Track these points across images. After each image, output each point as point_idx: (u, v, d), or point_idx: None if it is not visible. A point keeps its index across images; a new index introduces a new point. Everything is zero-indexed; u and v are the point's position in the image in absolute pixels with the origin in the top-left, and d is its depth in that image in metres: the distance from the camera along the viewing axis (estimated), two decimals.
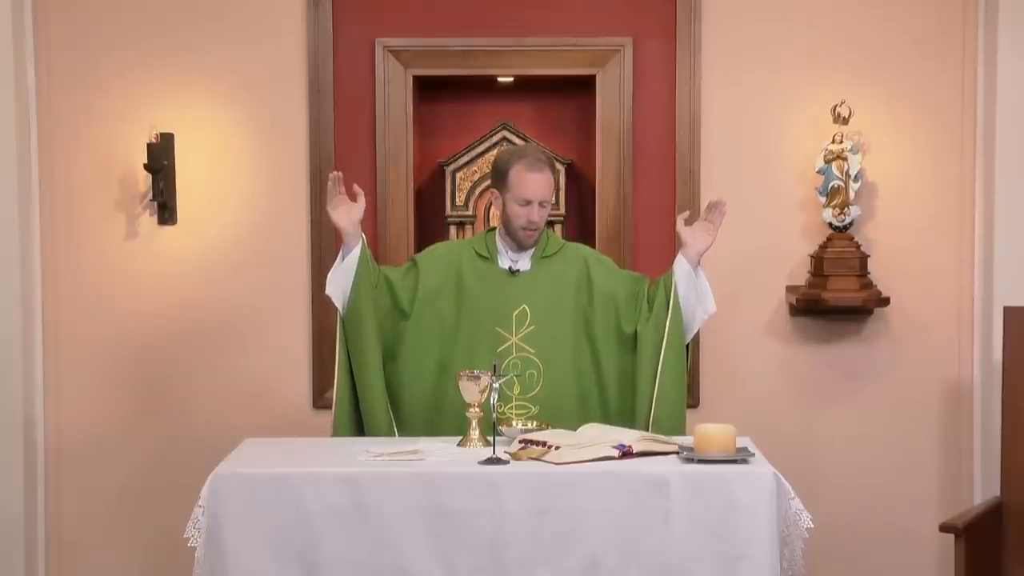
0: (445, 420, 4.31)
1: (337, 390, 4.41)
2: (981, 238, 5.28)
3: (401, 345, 4.41)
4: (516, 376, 4.31)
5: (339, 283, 4.37)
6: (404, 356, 4.41)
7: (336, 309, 4.43)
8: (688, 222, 4.43)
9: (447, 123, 5.54)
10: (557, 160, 5.19)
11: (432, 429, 4.33)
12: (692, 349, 4.48)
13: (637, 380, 4.36)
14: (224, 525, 3.75)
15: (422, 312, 4.40)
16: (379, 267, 4.44)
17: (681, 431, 4.29)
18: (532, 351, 4.37)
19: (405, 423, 4.40)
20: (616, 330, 4.40)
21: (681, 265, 4.38)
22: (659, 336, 4.35)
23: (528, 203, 4.34)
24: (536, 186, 4.33)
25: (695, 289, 4.37)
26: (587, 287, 4.43)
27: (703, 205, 5.19)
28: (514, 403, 4.34)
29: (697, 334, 4.52)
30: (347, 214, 4.32)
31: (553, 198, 4.44)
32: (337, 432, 4.39)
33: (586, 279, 4.44)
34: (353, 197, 4.34)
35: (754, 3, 5.30)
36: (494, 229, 4.50)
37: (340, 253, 4.39)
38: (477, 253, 4.45)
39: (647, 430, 4.23)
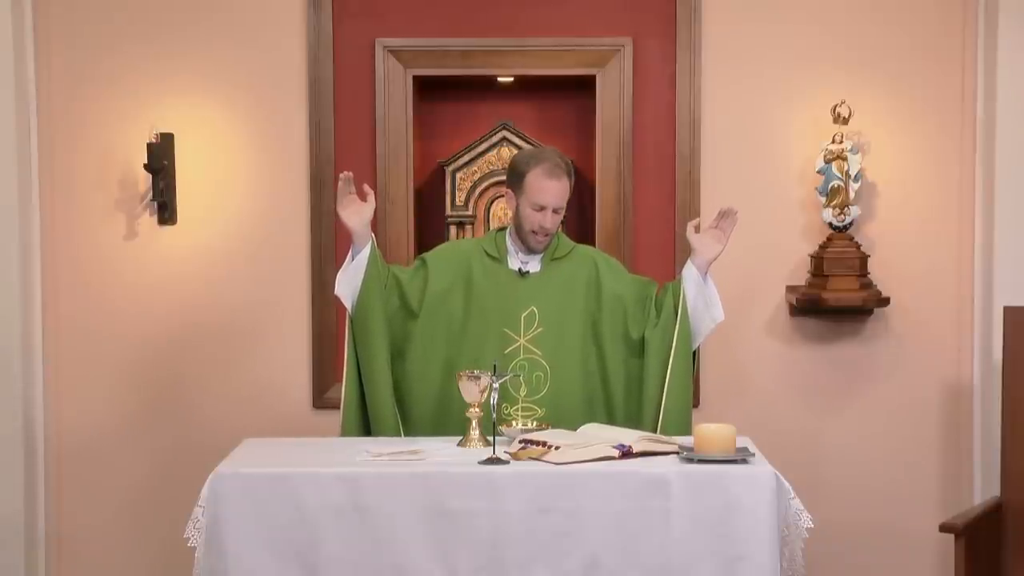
0: (452, 420, 4.29)
1: (345, 390, 4.39)
2: (981, 238, 5.28)
3: (409, 344, 4.39)
4: (518, 376, 4.29)
5: (348, 283, 4.34)
6: (412, 355, 4.40)
7: (345, 308, 4.41)
8: (697, 229, 4.43)
9: (447, 123, 5.54)
10: None
11: (439, 429, 4.32)
12: (696, 351, 4.47)
13: (644, 387, 4.35)
14: (224, 525, 3.74)
15: (431, 312, 4.39)
16: (388, 266, 4.43)
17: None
18: (539, 353, 4.36)
19: (412, 423, 4.39)
20: (623, 334, 4.39)
21: (690, 272, 4.37)
22: (667, 343, 4.33)
23: (542, 209, 4.32)
24: (552, 193, 4.31)
25: (704, 296, 4.36)
26: (596, 290, 4.42)
27: (703, 205, 5.22)
28: (520, 405, 4.33)
29: None
30: (357, 214, 4.30)
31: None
32: (345, 432, 4.38)
33: (595, 282, 4.42)
34: (363, 197, 4.33)
35: (754, 3, 5.30)
36: (504, 229, 4.48)
37: (350, 253, 4.36)
38: (487, 253, 4.43)
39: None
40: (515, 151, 5.25)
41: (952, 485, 5.38)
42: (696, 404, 5.22)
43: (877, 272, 5.28)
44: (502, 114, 5.47)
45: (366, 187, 4.34)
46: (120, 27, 5.28)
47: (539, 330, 4.37)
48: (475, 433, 4.06)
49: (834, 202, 5.20)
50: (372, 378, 4.34)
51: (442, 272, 4.41)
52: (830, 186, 5.20)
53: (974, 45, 5.27)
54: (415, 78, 5.32)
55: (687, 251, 4.43)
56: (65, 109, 5.29)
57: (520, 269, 4.42)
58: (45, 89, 5.27)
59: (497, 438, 3.94)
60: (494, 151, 5.45)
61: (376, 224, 5.23)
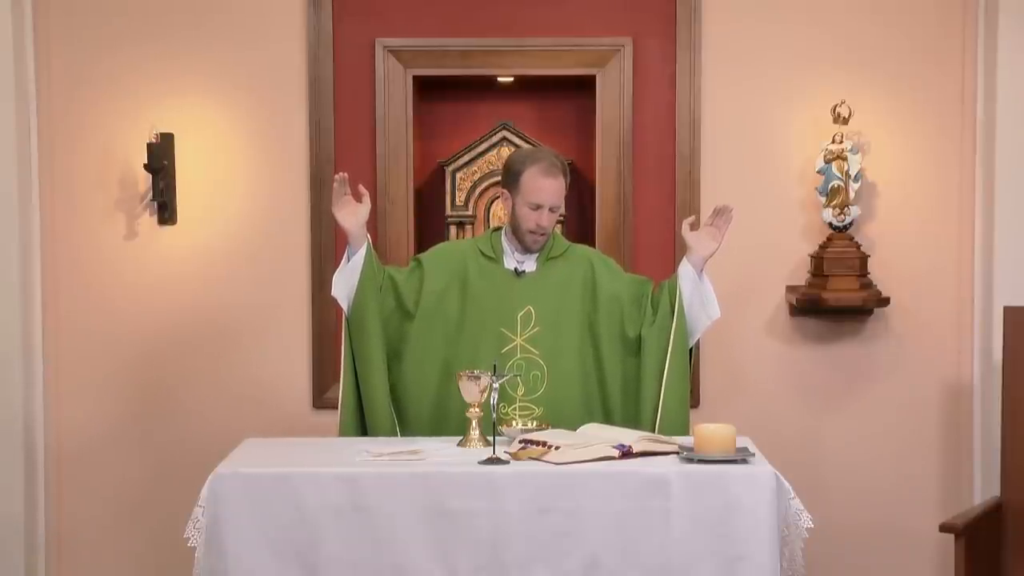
0: (449, 421, 4.29)
1: (343, 392, 4.38)
2: (981, 238, 5.28)
3: (406, 345, 4.39)
4: (517, 376, 4.30)
5: (344, 285, 4.34)
6: (409, 356, 4.39)
7: (341, 310, 4.41)
8: (693, 227, 4.43)
9: (447, 123, 5.54)
10: None
11: (436, 429, 4.32)
12: (693, 349, 4.48)
13: (641, 385, 4.36)
14: (224, 525, 3.75)
15: (427, 312, 4.38)
16: (384, 267, 4.42)
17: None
18: (536, 353, 4.36)
19: (409, 424, 4.38)
20: (620, 333, 4.39)
21: (686, 270, 4.37)
22: (664, 341, 4.33)
23: (539, 208, 4.32)
24: (548, 192, 4.31)
25: (700, 294, 4.36)
26: (592, 290, 4.41)
27: (703, 205, 5.21)
28: (518, 405, 4.33)
29: None
30: (352, 215, 4.29)
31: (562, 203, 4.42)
32: (343, 434, 4.37)
33: (591, 281, 4.42)
34: (358, 198, 4.33)
35: (754, 3, 5.30)
36: (499, 229, 4.48)
37: (345, 254, 4.35)
38: (482, 253, 4.43)
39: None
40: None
41: (952, 485, 5.38)
42: (695, 404, 5.23)
43: (877, 272, 5.29)
44: (502, 114, 5.47)
45: (361, 188, 4.33)
46: (120, 27, 5.28)
47: (536, 330, 4.37)
48: (475, 433, 4.06)
49: (834, 202, 5.20)
50: (368, 380, 4.33)
51: (438, 272, 4.40)
52: (830, 186, 5.20)
53: (974, 46, 5.27)
54: (415, 78, 5.32)
55: (686, 250, 4.43)
56: (65, 109, 5.29)
57: (516, 269, 4.42)
58: (45, 89, 5.27)
59: (497, 438, 3.94)
60: (494, 151, 5.45)
61: (376, 224, 5.24)
